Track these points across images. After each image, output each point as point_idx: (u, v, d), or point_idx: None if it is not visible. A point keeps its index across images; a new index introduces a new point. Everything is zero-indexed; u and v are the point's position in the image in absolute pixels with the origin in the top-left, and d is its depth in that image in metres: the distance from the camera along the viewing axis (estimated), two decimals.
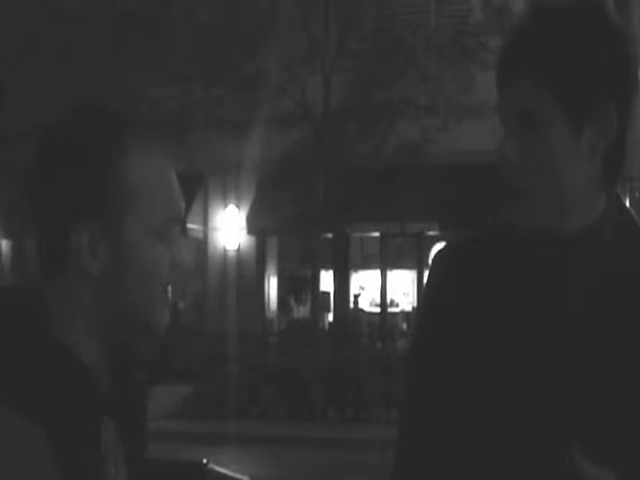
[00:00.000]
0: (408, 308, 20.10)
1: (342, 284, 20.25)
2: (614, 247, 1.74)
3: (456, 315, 1.78)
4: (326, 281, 19.66)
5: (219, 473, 2.56)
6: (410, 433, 1.86)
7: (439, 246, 1.91)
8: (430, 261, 1.93)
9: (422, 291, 1.93)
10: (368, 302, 20.75)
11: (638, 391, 1.66)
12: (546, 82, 1.67)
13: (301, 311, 20.63)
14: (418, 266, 19.37)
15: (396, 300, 20.53)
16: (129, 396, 1.62)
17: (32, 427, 1.40)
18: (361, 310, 20.32)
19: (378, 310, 20.37)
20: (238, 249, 19.87)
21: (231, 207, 19.84)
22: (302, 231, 18.34)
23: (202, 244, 20.05)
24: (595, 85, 1.67)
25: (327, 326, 19.88)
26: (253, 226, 19.37)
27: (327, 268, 19.64)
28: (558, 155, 1.68)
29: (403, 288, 20.50)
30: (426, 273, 1.94)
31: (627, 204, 1.82)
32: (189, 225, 19.16)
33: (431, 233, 19.00)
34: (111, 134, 1.51)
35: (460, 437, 1.73)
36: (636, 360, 1.67)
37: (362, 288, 20.78)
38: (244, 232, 19.70)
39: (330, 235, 19.18)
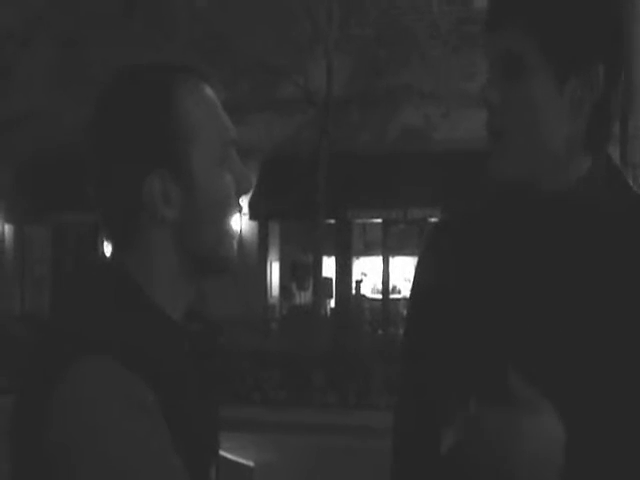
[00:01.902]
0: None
1: (344, 270, 20.25)
2: (596, 208, 1.71)
3: (448, 290, 1.77)
4: (328, 267, 19.67)
5: (224, 458, 2.57)
6: (408, 415, 1.86)
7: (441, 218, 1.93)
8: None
9: (415, 269, 1.94)
10: (370, 288, 20.75)
11: (616, 352, 1.64)
12: (534, 29, 1.66)
13: (303, 297, 20.63)
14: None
15: (398, 286, 20.53)
16: (203, 351, 1.65)
17: (133, 375, 1.42)
18: (363, 296, 20.33)
19: (380, 296, 20.38)
20: (240, 234, 19.73)
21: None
22: (304, 217, 18.33)
23: None
24: (584, 39, 1.66)
25: (329, 312, 19.90)
26: (255, 211, 19.36)
27: (329, 254, 19.65)
28: (539, 103, 1.67)
29: (405, 274, 20.49)
30: None
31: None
32: None
33: (434, 219, 18.99)
34: (161, 79, 1.56)
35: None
36: (615, 323, 1.65)
37: (364, 274, 20.78)
38: (246, 217, 19.70)
39: (332, 221, 19.18)
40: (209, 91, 1.58)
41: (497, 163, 1.71)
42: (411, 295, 1.93)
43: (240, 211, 1.61)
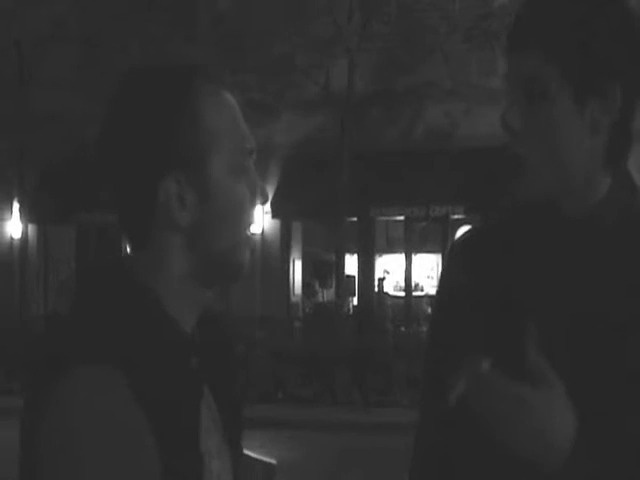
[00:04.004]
0: (432, 292, 19.98)
1: (367, 268, 20.26)
2: (618, 229, 1.73)
3: (470, 300, 1.79)
4: (351, 265, 19.68)
5: (247, 456, 2.57)
6: (429, 418, 1.87)
7: (464, 229, 1.94)
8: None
9: (438, 280, 1.95)
10: (392, 286, 20.75)
11: (629, 376, 1.66)
12: (554, 54, 1.68)
13: (326, 295, 20.65)
14: (443, 250, 19.33)
15: (421, 284, 20.52)
16: (220, 355, 1.64)
17: (125, 394, 1.40)
18: (386, 294, 20.32)
19: (402, 294, 20.36)
20: (263, 233, 19.89)
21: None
22: (327, 215, 18.33)
23: None
24: (602, 62, 1.68)
25: (351, 310, 19.90)
26: (278, 210, 19.38)
27: (352, 252, 19.66)
28: (560, 126, 1.69)
29: (428, 272, 20.49)
30: None
31: None
32: None
33: (456, 216, 18.97)
34: (180, 82, 1.54)
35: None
36: (629, 347, 1.67)
37: (387, 272, 20.78)
38: (269, 216, 19.72)
39: (355, 219, 19.18)
40: (229, 97, 1.56)
41: (523, 186, 1.74)
42: (433, 310, 1.95)
43: (256, 220, 1.60)
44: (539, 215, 1.77)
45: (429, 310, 19.62)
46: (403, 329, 18.68)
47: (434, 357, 1.89)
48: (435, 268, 20.32)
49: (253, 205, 1.56)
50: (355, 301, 20.28)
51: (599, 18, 1.70)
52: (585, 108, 1.69)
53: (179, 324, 1.51)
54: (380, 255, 20.85)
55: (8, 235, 22.01)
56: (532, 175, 1.72)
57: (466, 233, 1.93)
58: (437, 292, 1.91)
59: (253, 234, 1.60)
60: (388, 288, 20.51)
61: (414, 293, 20.39)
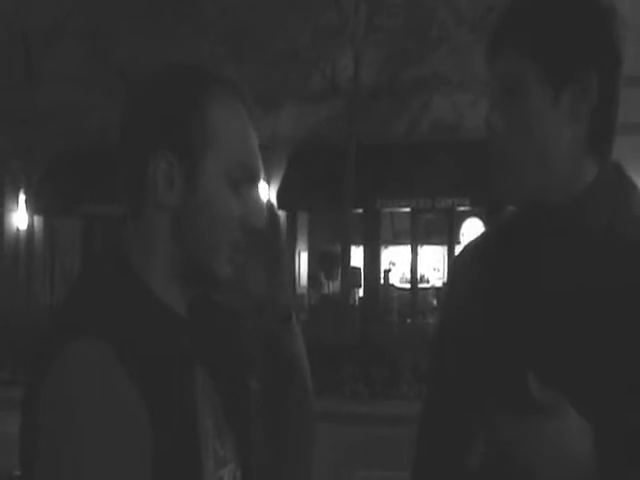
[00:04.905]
0: (438, 284, 20.07)
1: (372, 260, 20.25)
2: (606, 217, 1.73)
3: (474, 302, 1.81)
4: (356, 257, 19.67)
5: None
6: (433, 412, 1.88)
7: (470, 221, 1.96)
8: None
9: (445, 286, 1.99)
10: (398, 278, 20.74)
11: (633, 360, 1.65)
12: (528, 47, 1.71)
13: (331, 287, 20.66)
14: (449, 242, 19.33)
15: (426, 276, 20.52)
16: (220, 341, 1.68)
17: (119, 367, 1.44)
18: (391, 286, 20.32)
19: (408, 286, 20.36)
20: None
21: (261, 183, 19.83)
22: (333, 206, 18.33)
23: None
24: (573, 50, 1.71)
25: (357, 302, 19.90)
26: (284, 201, 19.38)
27: (357, 244, 19.65)
28: (537, 118, 1.71)
29: (433, 264, 20.48)
30: (457, 248, 1.98)
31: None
32: None
33: (462, 208, 18.95)
34: (201, 82, 1.59)
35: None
36: (631, 332, 1.66)
37: (392, 264, 20.77)
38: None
39: (361, 210, 19.17)
40: (246, 120, 1.61)
41: (508, 188, 1.75)
42: (440, 312, 1.97)
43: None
44: (526, 213, 1.79)
45: (435, 302, 19.64)
46: (409, 321, 18.67)
47: (441, 354, 1.89)
48: (441, 260, 20.31)
49: (243, 227, 1.59)
50: (361, 293, 20.28)
51: (570, 4, 1.72)
52: (562, 97, 1.70)
53: (169, 304, 1.56)
54: (386, 247, 20.84)
55: (14, 226, 22.05)
56: (513, 172, 1.73)
57: (470, 243, 1.96)
58: (443, 304, 1.94)
59: (245, 269, 1.62)
60: (394, 280, 20.51)
61: (420, 285, 20.39)
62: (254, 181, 1.62)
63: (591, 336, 1.67)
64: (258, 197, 1.63)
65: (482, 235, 1.95)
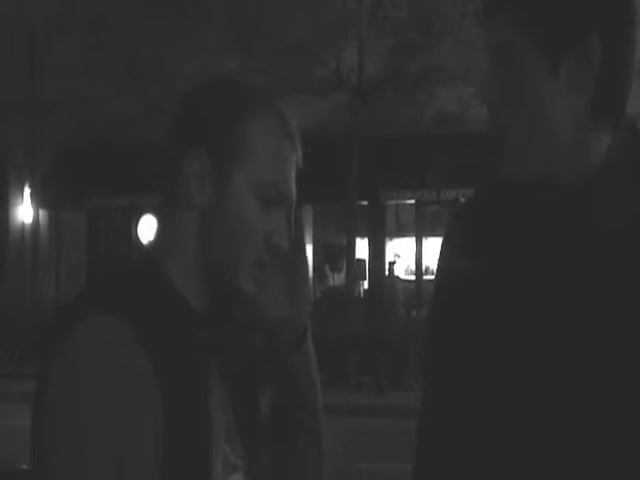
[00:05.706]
0: None
1: (377, 252, 20.25)
2: (618, 194, 1.62)
3: (469, 277, 1.73)
4: (361, 249, 19.67)
5: None
6: (433, 400, 1.83)
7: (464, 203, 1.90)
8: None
9: (438, 256, 1.89)
10: (403, 270, 20.74)
11: (632, 352, 1.59)
12: (521, 14, 1.61)
13: (336, 279, 20.66)
14: None
15: (431, 267, 20.50)
16: (230, 344, 1.70)
17: (134, 343, 1.46)
18: (396, 278, 20.32)
19: (413, 278, 20.36)
20: None
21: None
22: (337, 199, 18.33)
23: None
24: (573, 18, 1.60)
25: (362, 294, 19.90)
26: None
27: (362, 236, 19.65)
28: (534, 89, 1.61)
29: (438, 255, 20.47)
30: None
31: None
32: None
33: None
34: (250, 98, 1.64)
35: (479, 403, 1.70)
36: (631, 324, 1.59)
37: (397, 255, 20.77)
38: None
39: (365, 202, 19.17)
40: (285, 140, 1.65)
41: (507, 163, 1.66)
42: (434, 284, 1.90)
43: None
44: (531, 190, 1.67)
45: None
46: (414, 313, 18.67)
47: (437, 341, 1.87)
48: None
49: (267, 245, 1.61)
50: (366, 285, 20.29)
51: None
52: (559, 67, 1.60)
53: (187, 299, 1.58)
54: (391, 239, 20.84)
55: (20, 220, 22.06)
56: (516, 148, 1.64)
57: (460, 209, 1.86)
58: (436, 273, 1.87)
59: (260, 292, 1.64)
60: (399, 272, 20.50)
61: (425, 277, 20.39)
62: (283, 204, 1.64)
63: (602, 320, 1.60)
64: (286, 219, 1.65)
65: (472, 206, 1.82)
